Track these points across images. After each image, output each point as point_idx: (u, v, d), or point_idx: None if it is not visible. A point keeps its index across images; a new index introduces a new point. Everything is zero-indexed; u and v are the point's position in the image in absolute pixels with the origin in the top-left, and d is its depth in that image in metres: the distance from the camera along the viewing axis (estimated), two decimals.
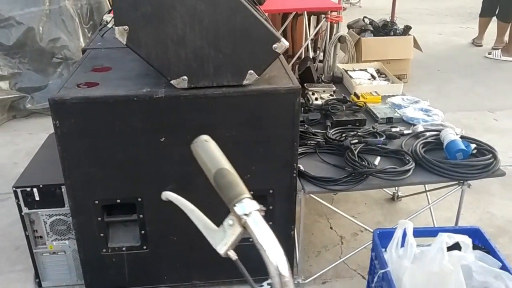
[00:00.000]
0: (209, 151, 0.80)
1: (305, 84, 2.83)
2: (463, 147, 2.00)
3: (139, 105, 1.72)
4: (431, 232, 1.82)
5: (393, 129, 2.29)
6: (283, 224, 2.00)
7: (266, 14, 3.03)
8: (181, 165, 1.85)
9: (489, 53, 5.55)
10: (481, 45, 6.02)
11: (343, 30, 4.99)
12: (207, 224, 0.80)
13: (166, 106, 1.74)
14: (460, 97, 4.36)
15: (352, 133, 2.22)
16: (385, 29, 4.63)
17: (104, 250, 1.97)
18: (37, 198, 1.95)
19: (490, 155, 1.98)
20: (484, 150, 2.05)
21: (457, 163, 1.95)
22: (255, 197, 1.99)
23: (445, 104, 4.17)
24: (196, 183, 1.89)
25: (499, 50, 5.44)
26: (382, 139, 2.13)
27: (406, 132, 2.28)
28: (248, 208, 0.78)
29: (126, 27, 1.60)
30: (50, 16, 3.96)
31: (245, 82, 1.74)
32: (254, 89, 1.75)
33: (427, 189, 2.39)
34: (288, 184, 1.92)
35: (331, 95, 2.71)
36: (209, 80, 1.73)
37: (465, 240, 1.55)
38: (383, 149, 2.11)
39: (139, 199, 1.89)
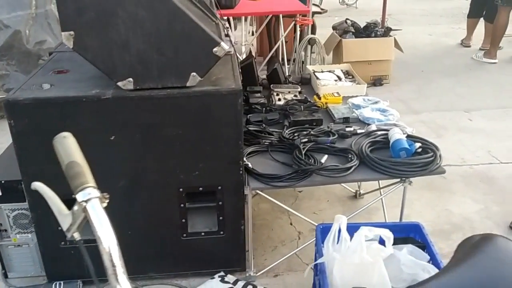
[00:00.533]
0: (65, 146, 0.89)
1: (271, 85, 2.92)
2: (406, 146, 2.08)
3: (87, 105, 1.83)
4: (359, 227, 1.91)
5: (347, 129, 2.38)
6: (233, 218, 2.09)
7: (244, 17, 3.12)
8: (131, 163, 1.95)
9: (476, 55, 5.59)
10: (469, 46, 6.06)
11: (328, 32, 5.10)
12: (61, 209, 0.89)
13: (114, 107, 1.85)
14: (439, 97, 4.42)
15: (305, 132, 2.31)
16: (366, 30, 4.70)
17: (63, 243, 2.08)
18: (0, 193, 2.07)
19: (432, 153, 2.06)
20: (428, 149, 2.13)
21: (398, 161, 2.03)
22: (204, 193, 2.10)
23: (423, 104, 4.25)
24: (146, 180, 2.00)
25: (482, 53, 5.48)
26: (330, 138, 2.21)
27: (359, 131, 2.36)
28: (89, 195, 0.86)
29: (72, 32, 1.70)
30: (37, 19, 4.09)
31: (188, 84, 1.84)
32: (197, 91, 1.85)
33: (381, 186, 2.46)
34: (235, 180, 2.01)
35: (295, 95, 2.80)
36: (154, 82, 1.83)
37: (386, 234, 1.63)
38: (332, 148, 2.19)
39: None
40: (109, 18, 1.70)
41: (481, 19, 5.84)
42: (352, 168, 2.01)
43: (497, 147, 3.41)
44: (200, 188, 2.03)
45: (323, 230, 1.97)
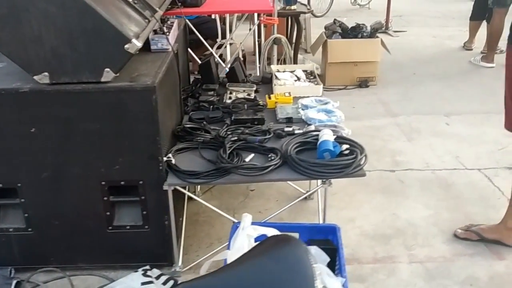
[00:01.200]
0: None
1: (227, 84, 2.94)
2: (330, 147, 2.06)
3: (7, 98, 1.90)
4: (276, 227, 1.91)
5: (286, 129, 2.37)
6: (157, 213, 2.12)
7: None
8: (53, 155, 2.01)
9: (474, 58, 5.45)
10: (471, 49, 5.92)
11: (319, 32, 5.07)
12: None
13: (32, 100, 1.91)
14: (423, 101, 4.33)
15: (239, 131, 2.32)
16: (354, 31, 4.65)
17: None
18: None
19: (353, 155, 2.04)
20: (355, 151, 2.11)
21: (317, 162, 2.02)
22: (126, 187, 2.13)
23: (403, 107, 4.19)
24: (69, 172, 2.05)
25: (480, 56, 5.34)
26: (259, 138, 2.22)
27: (297, 131, 2.36)
28: None
29: None
30: None
31: (103, 79, 1.88)
32: (112, 86, 1.89)
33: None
34: (156, 176, 2.04)
35: (248, 94, 2.82)
36: (70, 77, 1.88)
37: (271, 232, 1.63)
38: (262, 147, 2.20)
39: (19, 185, 2.06)
40: (21, 14, 1.75)
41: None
42: (270, 168, 2.01)
43: (467, 153, 3.33)
44: (122, 182, 2.07)
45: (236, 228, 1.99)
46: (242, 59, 4.03)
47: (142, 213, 2.14)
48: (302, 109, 2.62)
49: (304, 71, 3.17)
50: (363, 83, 4.67)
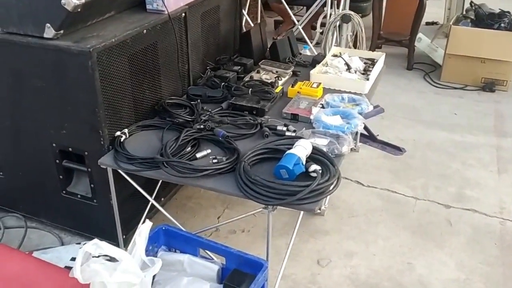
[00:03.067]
0: None
1: (261, 61, 2.55)
2: (289, 164, 1.60)
3: None
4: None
5: (279, 127, 1.95)
6: (103, 189, 1.94)
7: None
8: (10, 106, 1.95)
9: None
10: None
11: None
12: None
13: None
14: None
15: (226, 118, 1.98)
16: (490, 19, 3.68)
17: None
18: None
19: (308, 184, 1.54)
20: (327, 176, 1.60)
21: (261, 180, 1.57)
22: (74, 154, 1.99)
23: None
24: (25, 125, 1.99)
25: None
26: (222, 132, 1.83)
27: (288, 133, 1.91)
28: None
29: None
30: None
31: (45, 35, 1.71)
32: (52, 44, 1.72)
33: None
34: (98, 150, 1.85)
35: (278, 77, 2.40)
36: (17, 27, 1.76)
37: (118, 255, 1.30)
38: (225, 144, 1.83)
39: None
40: None
41: None
42: (206, 172, 1.65)
43: None
44: (70, 149, 1.93)
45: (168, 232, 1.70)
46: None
47: (90, 185, 1.98)
48: (323, 107, 2.12)
49: (368, 59, 2.59)
50: (488, 86, 3.72)
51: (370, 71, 2.45)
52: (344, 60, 2.49)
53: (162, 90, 2.14)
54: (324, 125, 1.95)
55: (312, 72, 2.39)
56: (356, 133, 2.72)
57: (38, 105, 1.88)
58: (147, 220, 1.48)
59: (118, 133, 1.86)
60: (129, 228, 2.08)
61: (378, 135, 2.96)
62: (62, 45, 1.71)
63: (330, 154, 1.75)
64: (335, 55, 2.61)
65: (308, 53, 2.98)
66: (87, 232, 2.13)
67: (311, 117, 2.02)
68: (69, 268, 1.32)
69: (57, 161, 1.98)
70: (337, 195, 2.45)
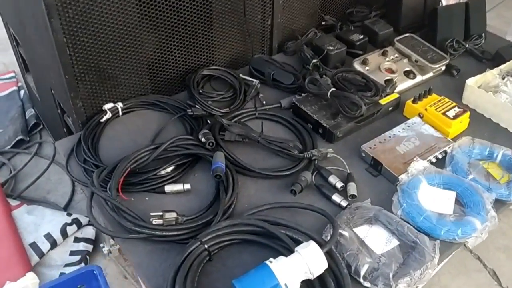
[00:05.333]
0: None
1: (404, 36, 1.57)
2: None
3: None
4: None
5: (331, 179, 1.12)
6: None
7: None
8: None
9: None
10: None
11: None
12: None
13: None
14: None
15: (260, 136, 1.22)
16: None
17: None
18: None
19: None
20: None
21: None
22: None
23: None
24: None
25: None
26: (220, 165, 1.09)
27: (340, 202, 1.08)
28: None
29: None
30: None
31: None
32: None
33: None
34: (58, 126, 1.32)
35: (411, 72, 1.44)
36: None
37: None
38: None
39: None
40: None
41: None
42: (135, 235, 0.99)
43: None
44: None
45: None
46: None
47: None
48: (450, 160, 1.17)
49: None
50: None
51: None
52: None
53: (214, 53, 1.44)
54: (409, 206, 1.03)
55: (469, 82, 1.36)
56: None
57: None
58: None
59: (107, 106, 1.30)
60: None
61: None
62: None
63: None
64: None
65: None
66: None
67: (402, 177, 1.11)
68: None
69: None
70: None
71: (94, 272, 1.17)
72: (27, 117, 2.08)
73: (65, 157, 1.21)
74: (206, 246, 0.93)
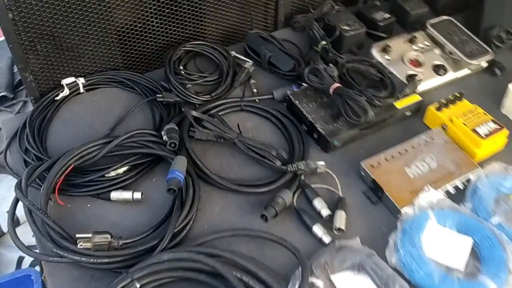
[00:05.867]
0: None
1: (440, 19, 1.28)
2: None
3: None
4: None
5: (316, 203, 0.90)
6: None
7: None
8: None
9: None
10: None
11: None
12: None
13: None
14: None
15: (237, 138, 0.99)
16: None
17: None
18: None
19: None
20: None
21: None
22: None
23: None
24: None
25: None
26: (176, 175, 0.87)
27: (315, 230, 0.86)
28: None
29: None
30: None
31: None
32: None
33: None
34: None
35: (438, 68, 1.16)
36: None
37: None
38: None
39: None
40: None
41: None
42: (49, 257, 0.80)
43: None
44: None
45: None
46: None
47: None
48: (472, 194, 0.92)
49: None
50: None
51: None
52: None
53: (203, 24, 1.20)
54: (408, 255, 0.80)
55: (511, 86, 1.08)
56: None
57: None
58: None
59: (66, 81, 1.09)
60: None
61: None
62: None
63: None
64: None
65: None
66: None
67: (406, 210, 0.87)
68: None
69: None
70: None
71: (32, 277, 1.00)
72: (14, 71, 1.91)
73: (6, 140, 1.02)
74: (138, 285, 0.74)
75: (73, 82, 1.09)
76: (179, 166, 0.89)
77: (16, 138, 1.00)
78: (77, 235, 0.79)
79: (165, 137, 0.94)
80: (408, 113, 1.07)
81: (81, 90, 1.10)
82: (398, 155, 0.96)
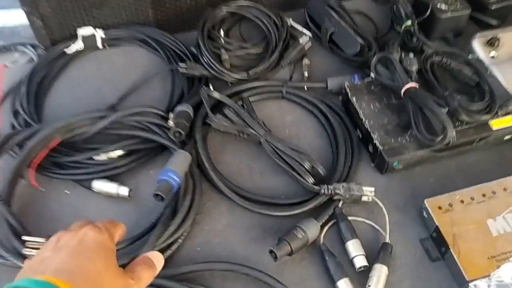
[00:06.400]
0: None
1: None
2: None
3: None
4: None
5: (354, 250, 0.66)
6: None
7: None
8: None
9: None
10: None
11: None
12: None
13: None
14: None
15: (268, 140, 0.76)
16: None
17: None
18: None
19: None
20: None
21: None
22: None
23: None
24: None
25: None
26: (166, 177, 0.66)
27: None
28: None
29: None
30: None
31: None
32: None
33: None
34: None
35: None
36: None
37: None
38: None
39: None
40: None
41: None
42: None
43: None
44: None
45: None
46: None
47: None
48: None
49: None
50: None
51: None
52: None
53: None
54: None
55: None
56: None
57: None
58: None
59: (83, 32, 0.91)
60: None
61: None
62: None
63: None
64: None
65: None
66: None
67: (475, 285, 0.60)
68: None
69: None
70: None
71: None
72: None
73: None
74: None
75: (91, 34, 0.91)
76: (177, 165, 0.68)
77: (14, 95, 0.85)
78: (23, 237, 0.62)
79: (171, 122, 0.74)
80: (507, 137, 0.78)
81: (99, 44, 0.92)
82: (481, 197, 0.68)
